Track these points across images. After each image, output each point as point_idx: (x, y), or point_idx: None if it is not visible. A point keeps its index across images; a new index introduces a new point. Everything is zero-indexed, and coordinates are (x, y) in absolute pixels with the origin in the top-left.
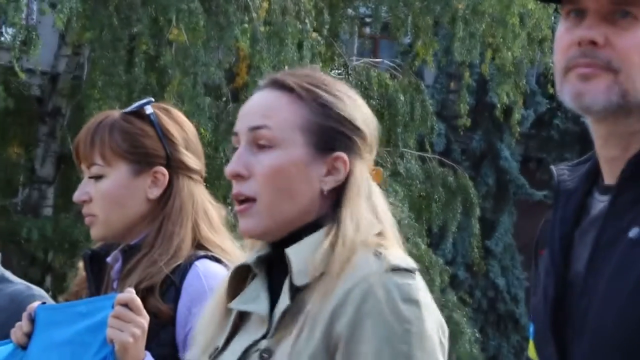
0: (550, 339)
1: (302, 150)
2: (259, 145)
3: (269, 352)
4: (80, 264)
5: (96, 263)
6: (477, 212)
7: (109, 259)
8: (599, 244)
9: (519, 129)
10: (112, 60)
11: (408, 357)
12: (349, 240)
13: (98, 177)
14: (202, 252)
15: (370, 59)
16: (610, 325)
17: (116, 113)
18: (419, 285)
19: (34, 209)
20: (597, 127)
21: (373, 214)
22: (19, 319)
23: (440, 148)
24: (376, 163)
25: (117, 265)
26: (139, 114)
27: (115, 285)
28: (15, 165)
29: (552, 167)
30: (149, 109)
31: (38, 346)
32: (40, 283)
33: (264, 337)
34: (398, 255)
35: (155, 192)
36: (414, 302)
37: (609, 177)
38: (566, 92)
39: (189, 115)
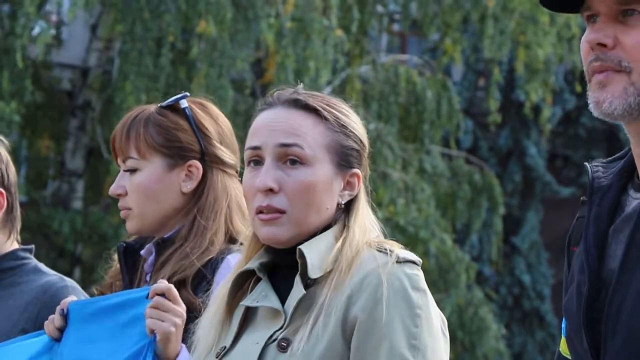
0: (584, 336)
1: (328, 168)
2: (290, 161)
3: (286, 340)
4: (115, 256)
5: (130, 255)
6: (501, 211)
7: (142, 252)
8: (634, 242)
9: (549, 127)
10: (141, 53)
11: (417, 338)
12: (356, 243)
13: (133, 171)
14: (235, 247)
15: (399, 55)
16: None
17: (152, 107)
18: (423, 278)
19: (64, 201)
20: (629, 127)
21: (371, 220)
22: (52, 310)
23: (467, 145)
24: (403, 159)
25: (151, 258)
26: (174, 107)
27: (148, 277)
28: (45, 158)
29: (587, 164)
30: (184, 103)
31: (73, 340)
32: (68, 275)
33: (279, 329)
34: (404, 250)
35: (189, 186)
36: (421, 290)
37: None
38: (590, 101)
39: None
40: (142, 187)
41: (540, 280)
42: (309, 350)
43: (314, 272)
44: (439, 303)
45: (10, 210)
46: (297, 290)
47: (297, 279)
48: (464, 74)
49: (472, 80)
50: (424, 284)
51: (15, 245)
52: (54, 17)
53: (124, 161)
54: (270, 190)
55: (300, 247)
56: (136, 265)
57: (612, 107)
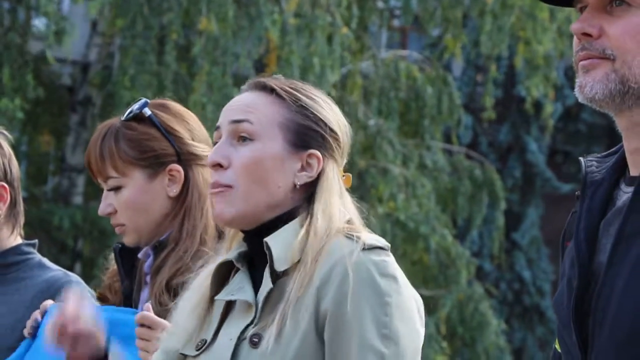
0: (573, 330)
1: (279, 145)
2: (240, 138)
3: (258, 336)
4: (111, 256)
5: (127, 256)
6: (502, 206)
7: (140, 255)
8: (622, 235)
9: (552, 122)
10: (143, 49)
11: (388, 327)
12: (321, 231)
13: (117, 189)
14: None
15: (399, 51)
16: (629, 316)
17: (116, 122)
18: (393, 262)
19: (64, 197)
20: (618, 120)
21: (343, 209)
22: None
23: (467, 141)
24: (403, 155)
25: (149, 261)
26: (139, 117)
27: (148, 279)
28: (45, 153)
29: (581, 159)
30: (147, 111)
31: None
32: (69, 270)
33: (250, 324)
34: (371, 236)
35: (175, 190)
36: (390, 276)
37: (634, 168)
38: (575, 86)
39: (218, 105)
40: (130, 203)
41: (541, 276)
42: (284, 347)
43: (279, 264)
44: (439, 299)
45: (13, 204)
46: (266, 284)
47: (266, 271)
48: (464, 69)
49: (472, 75)
50: (393, 269)
51: (19, 240)
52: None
53: (104, 181)
54: (220, 166)
55: (266, 239)
56: (134, 265)
57: (592, 91)
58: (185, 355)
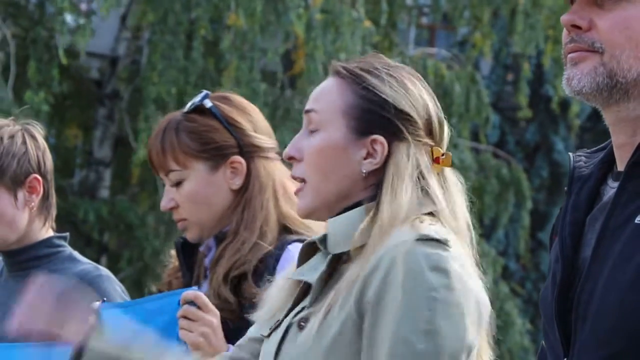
0: (555, 325)
1: (341, 133)
2: (312, 129)
3: (305, 320)
4: (173, 252)
5: (188, 251)
6: (529, 205)
7: (201, 248)
8: (606, 230)
9: (578, 122)
10: (171, 44)
11: (430, 323)
12: (385, 221)
13: (178, 183)
14: (294, 237)
15: (427, 48)
16: (611, 311)
17: (177, 114)
18: (453, 256)
19: (91, 190)
20: (606, 114)
21: (422, 195)
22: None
23: (494, 139)
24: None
25: (210, 254)
26: (200, 109)
27: (208, 273)
28: (72, 147)
29: (570, 154)
30: (208, 103)
31: None
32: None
33: (306, 306)
34: (431, 227)
35: (237, 182)
36: (442, 270)
37: (621, 163)
38: (563, 79)
39: None
40: (192, 196)
41: None
42: (324, 332)
43: (333, 247)
44: None
45: (46, 197)
46: (321, 267)
47: (321, 254)
48: (492, 67)
49: (500, 74)
50: (446, 264)
51: (51, 233)
52: (83, 6)
53: (166, 175)
54: (293, 159)
55: (329, 220)
56: (194, 261)
57: (580, 84)
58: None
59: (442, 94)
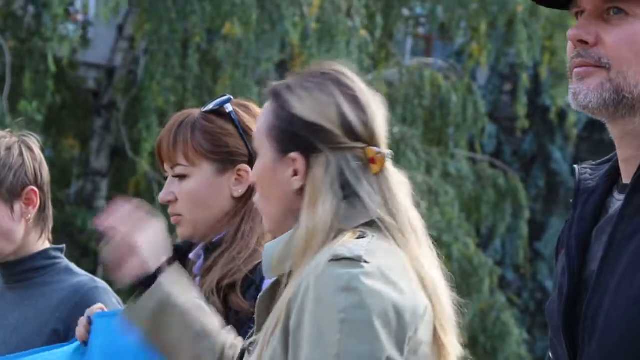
0: (563, 339)
1: (269, 155)
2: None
3: (252, 344)
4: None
5: (179, 258)
6: (526, 215)
7: (191, 255)
8: (613, 243)
9: (576, 132)
10: (168, 53)
11: (339, 346)
12: (298, 242)
13: (182, 177)
14: None
15: (423, 58)
16: (617, 326)
17: (196, 112)
18: (366, 272)
19: (88, 200)
20: (611, 128)
21: (350, 204)
22: (83, 311)
23: (490, 149)
24: (427, 162)
25: (199, 262)
26: (219, 112)
27: (198, 281)
28: (69, 157)
29: (575, 166)
30: (228, 107)
31: (99, 354)
32: (92, 274)
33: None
34: (350, 243)
35: (240, 190)
36: (352, 289)
37: (627, 176)
38: (569, 93)
39: None
40: (193, 194)
41: None
42: (262, 359)
43: (266, 272)
44: (461, 307)
45: (42, 209)
46: (264, 291)
47: (267, 280)
48: (489, 77)
49: (497, 84)
50: (357, 282)
51: (47, 245)
52: (80, 17)
53: (171, 167)
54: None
55: (266, 244)
56: (185, 267)
57: (587, 99)
58: None
59: (439, 104)
